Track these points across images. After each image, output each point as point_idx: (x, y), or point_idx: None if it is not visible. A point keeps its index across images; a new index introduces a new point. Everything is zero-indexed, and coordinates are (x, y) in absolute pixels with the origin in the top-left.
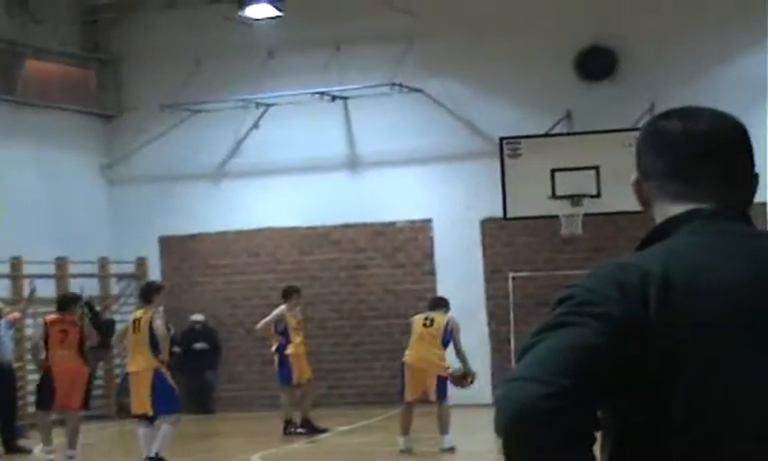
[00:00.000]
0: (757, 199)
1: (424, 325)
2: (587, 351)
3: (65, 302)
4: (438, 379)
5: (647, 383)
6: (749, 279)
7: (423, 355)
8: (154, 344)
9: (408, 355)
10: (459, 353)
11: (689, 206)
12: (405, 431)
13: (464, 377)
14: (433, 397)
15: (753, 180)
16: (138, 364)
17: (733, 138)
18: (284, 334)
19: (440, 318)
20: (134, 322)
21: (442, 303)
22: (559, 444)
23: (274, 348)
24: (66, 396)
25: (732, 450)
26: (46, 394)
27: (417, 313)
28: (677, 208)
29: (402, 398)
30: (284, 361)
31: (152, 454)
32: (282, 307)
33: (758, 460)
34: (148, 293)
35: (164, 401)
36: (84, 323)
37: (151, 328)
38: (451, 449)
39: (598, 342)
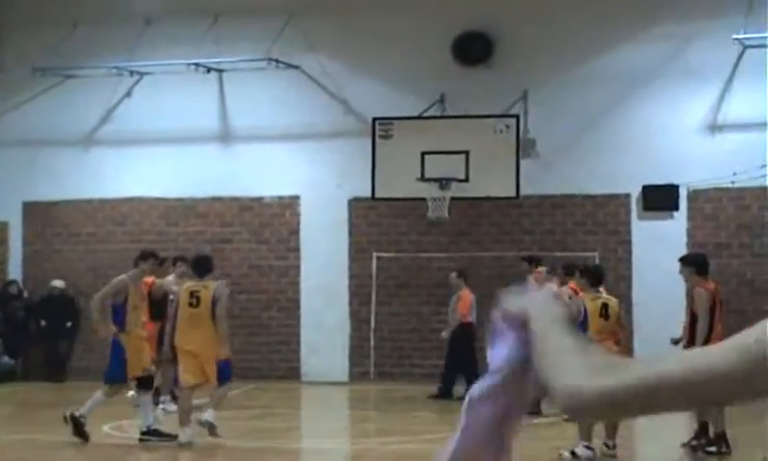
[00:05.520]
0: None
1: (190, 304)
2: None
3: None
4: (217, 364)
5: None
6: None
7: (194, 340)
8: None
9: (178, 339)
10: (219, 322)
11: None
12: (185, 422)
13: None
14: (214, 382)
15: None
16: None
17: None
18: None
19: (205, 292)
20: None
21: (207, 266)
22: None
23: None
24: None
25: None
26: None
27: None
28: None
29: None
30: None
31: None
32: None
33: None
34: None
35: None
36: None
37: None
38: (211, 426)
39: None
